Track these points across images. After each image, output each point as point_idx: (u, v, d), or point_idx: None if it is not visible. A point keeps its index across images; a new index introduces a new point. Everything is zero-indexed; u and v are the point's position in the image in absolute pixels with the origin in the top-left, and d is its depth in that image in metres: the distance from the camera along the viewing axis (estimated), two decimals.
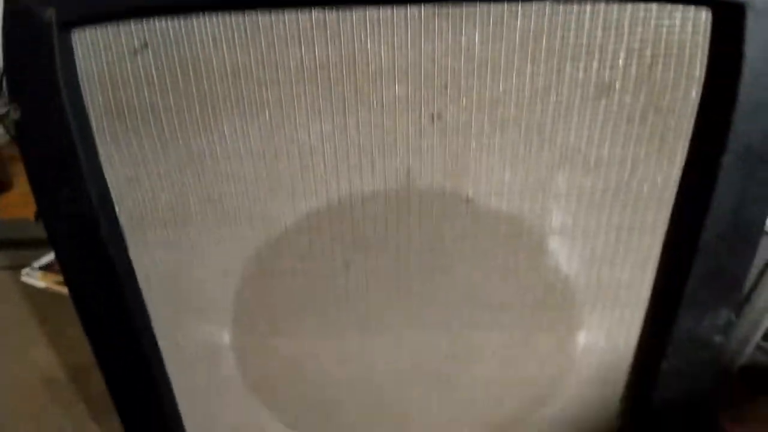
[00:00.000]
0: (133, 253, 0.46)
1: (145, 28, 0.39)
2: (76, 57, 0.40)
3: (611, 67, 0.38)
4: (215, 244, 0.45)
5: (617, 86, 0.39)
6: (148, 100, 0.41)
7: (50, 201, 0.43)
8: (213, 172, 0.43)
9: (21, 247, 1.31)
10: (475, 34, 0.37)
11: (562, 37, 0.37)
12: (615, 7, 0.37)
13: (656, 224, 0.44)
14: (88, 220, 0.43)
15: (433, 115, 0.40)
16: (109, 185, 0.44)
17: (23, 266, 1.20)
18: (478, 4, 0.37)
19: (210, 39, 0.39)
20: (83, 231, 0.44)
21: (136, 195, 0.44)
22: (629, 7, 0.37)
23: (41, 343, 0.96)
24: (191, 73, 0.40)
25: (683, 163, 0.42)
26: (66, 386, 0.87)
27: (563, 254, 0.44)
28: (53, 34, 0.38)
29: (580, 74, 0.39)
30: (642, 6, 0.37)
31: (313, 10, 0.37)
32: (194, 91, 0.40)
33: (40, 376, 0.89)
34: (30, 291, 1.12)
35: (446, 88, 0.39)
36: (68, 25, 0.39)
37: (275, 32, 0.39)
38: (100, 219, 0.44)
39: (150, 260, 0.46)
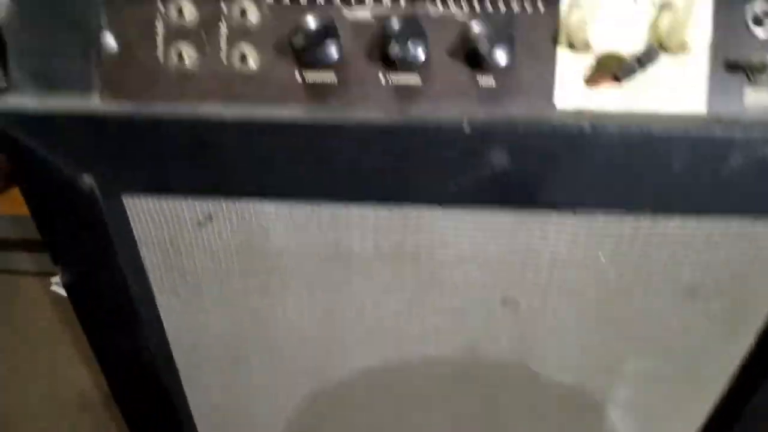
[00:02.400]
0: (188, 389, 0.44)
1: (210, 201, 0.35)
2: (131, 221, 0.37)
3: (701, 274, 0.36)
4: (269, 387, 0.43)
5: (704, 290, 0.36)
6: (211, 264, 0.38)
7: (105, 347, 0.41)
8: (274, 327, 0.41)
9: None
10: (562, 240, 0.35)
11: (656, 244, 0.35)
12: (708, 221, 0.33)
13: (712, 396, 0.43)
14: (145, 363, 0.42)
15: (506, 298, 0.38)
16: (167, 332, 0.42)
17: (53, 273, 1.16)
18: (568, 215, 0.33)
19: (281, 218, 0.36)
20: (140, 373, 0.42)
21: (193, 340, 0.42)
22: (724, 221, 0.33)
23: (75, 360, 0.95)
24: (259, 246, 0.37)
25: (751, 351, 0.40)
26: (100, 409, 0.87)
27: (622, 425, 0.42)
28: (98, 200, 0.35)
29: (668, 278, 0.36)
30: (737, 222, 0.33)
31: (392, 206, 0.34)
32: (261, 261, 0.37)
33: (73, 396, 0.89)
34: (61, 302, 1.06)
35: (523, 276, 0.37)
36: (116, 192, 0.35)
37: (351, 220, 0.35)
38: (157, 361, 0.42)
39: (204, 397, 0.44)
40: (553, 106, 0.31)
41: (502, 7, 0.31)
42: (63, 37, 0.32)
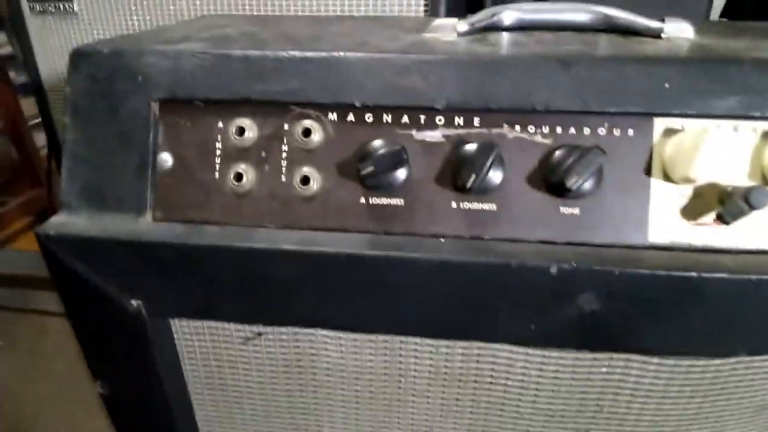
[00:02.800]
0: None
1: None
2: (176, 339, 0.35)
3: None
4: None
5: None
6: (255, 380, 0.36)
7: None
8: None
9: None
10: (644, 377, 0.31)
11: (738, 375, 0.31)
12: None
13: None
14: None
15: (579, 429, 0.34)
16: None
17: None
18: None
19: (333, 341, 0.33)
20: None
21: None
22: None
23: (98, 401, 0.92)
24: (307, 364, 0.34)
25: None
26: None
27: None
28: (145, 322, 0.32)
29: (742, 403, 0.32)
30: None
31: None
32: (308, 378, 0.35)
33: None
34: None
35: (598, 409, 0.33)
36: (164, 315, 0.33)
37: (409, 347, 0.32)
38: None
39: None
40: (647, 240, 0.28)
41: (587, 131, 0.29)
42: (118, 155, 0.31)
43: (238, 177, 0.30)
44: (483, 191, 0.29)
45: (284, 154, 0.30)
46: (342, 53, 0.29)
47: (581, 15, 0.37)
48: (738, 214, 0.26)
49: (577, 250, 0.28)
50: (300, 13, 0.61)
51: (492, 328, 0.29)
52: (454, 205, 0.29)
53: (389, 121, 0.29)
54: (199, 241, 0.29)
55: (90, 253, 0.30)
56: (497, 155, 0.28)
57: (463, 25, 0.36)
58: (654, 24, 0.34)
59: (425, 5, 0.58)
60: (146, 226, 0.30)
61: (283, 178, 0.30)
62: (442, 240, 0.28)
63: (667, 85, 0.27)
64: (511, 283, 0.27)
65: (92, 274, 0.30)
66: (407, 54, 0.29)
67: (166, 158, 0.31)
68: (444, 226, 0.29)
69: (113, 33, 0.66)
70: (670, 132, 0.28)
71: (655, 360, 0.31)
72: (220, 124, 0.31)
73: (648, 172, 0.28)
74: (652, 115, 0.28)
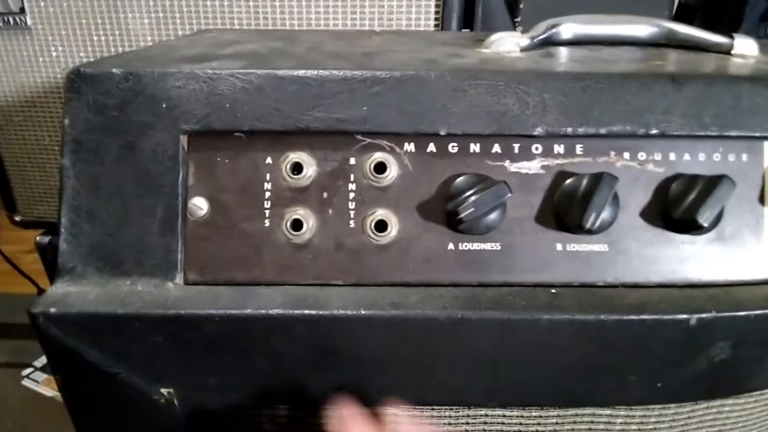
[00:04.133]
0: None
1: None
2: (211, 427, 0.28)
3: None
4: None
5: None
6: None
7: None
8: None
9: (21, 334, 1.09)
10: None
11: None
12: None
13: None
14: None
15: None
16: None
17: (25, 364, 0.98)
18: None
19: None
20: None
21: None
22: None
23: None
24: None
25: None
26: None
27: None
28: (178, 415, 0.25)
29: None
30: None
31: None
32: None
33: None
34: (34, 399, 0.90)
35: None
36: (203, 406, 0.25)
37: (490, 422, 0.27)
38: None
39: None
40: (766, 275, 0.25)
41: (702, 157, 0.25)
42: (137, 204, 0.24)
43: (296, 225, 0.24)
44: (597, 231, 0.24)
45: (352, 195, 0.24)
46: (415, 72, 0.24)
47: (643, 28, 0.34)
48: None
49: (705, 293, 0.24)
50: (299, 27, 0.56)
51: (613, 391, 0.24)
52: (559, 247, 0.24)
53: (477, 151, 0.24)
54: (251, 308, 0.23)
55: (104, 334, 0.23)
56: (610, 188, 0.24)
57: (524, 40, 0.33)
58: (723, 39, 0.32)
59: (436, 19, 0.55)
60: (178, 292, 0.23)
61: (352, 224, 0.24)
62: (552, 290, 0.24)
63: None
64: (644, 339, 0.23)
65: (107, 359, 0.23)
66: (499, 72, 0.25)
67: (200, 204, 0.24)
68: (549, 273, 0.24)
69: (75, 51, 0.57)
70: None
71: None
72: (269, 160, 0.24)
73: (762, 200, 0.25)
74: (764, 138, 0.25)
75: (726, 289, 0.24)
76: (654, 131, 0.24)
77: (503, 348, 0.24)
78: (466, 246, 0.25)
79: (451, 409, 0.27)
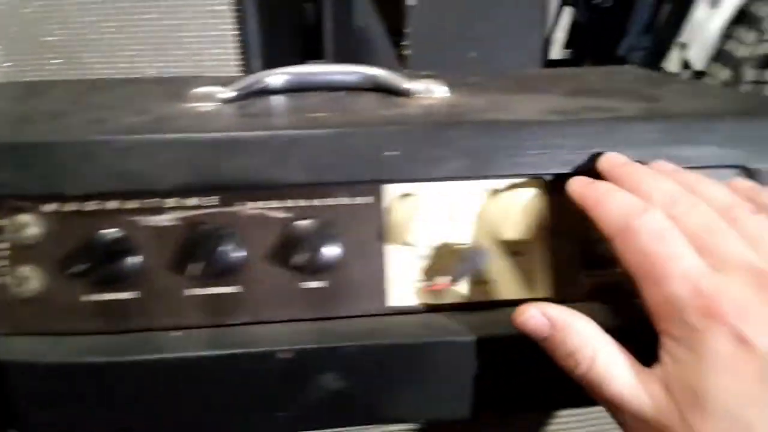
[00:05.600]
0: None
1: None
2: None
3: None
4: None
5: None
6: None
7: None
8: None
9: None
10: None
11: None
12: None
13: None
14: None
15: None
16: None
17: None
18: None
19: None
20: None
21: None
22: None
23: None
24: None
25: None
26: None
27: None
28: None
29: None
30: None
31: None
32: None
33: None
34: None
35: None
36: None
37: None
38: None
39: None
40: (385, 306, 0.27)
41: (321, 202, 0.27)
42: None
43: None
44: (222, 274, 0.27)
45: (2, 253, 0.26)
46: (55, 139, 0.26)
47: (347, 76, 0.37)
48: (462, 274, 0.26)
49: (320, 326, 0.26)
50: (108, 71, 0.57)
51: (237, 424, 0.26)
52: (188, 292, 0.27)
53: (115, 208, 0.26)
54: None
55: None
56: (231, 234, 0.26)
57: (228, 93, 0.35)
58: (408, 85, 0.35)
59: (240, 59, 0.57)
60: None
61: (2, 279, 0.26)
62: (180, 333, 0.26)
63: (390, 153, 0.27)
64: (252, 373, 0.25)
65: None
66: (130, 135, 0.26)
67: None
68: (181, 317, 0.26)
69: None
70: (401, 198, 0.28)
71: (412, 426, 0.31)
72: None
73: (382, 238, 0.28)
74: (382, 182, 0.28)
75: (342, 321, 0.27)
76: (274, 182, 0.27)
77: (138, 389, 0.26)
78: (102, 297, 0.26)
79: None
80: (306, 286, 0.27)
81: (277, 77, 0.36)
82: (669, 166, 0.27)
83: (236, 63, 0.55)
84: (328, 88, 0.37)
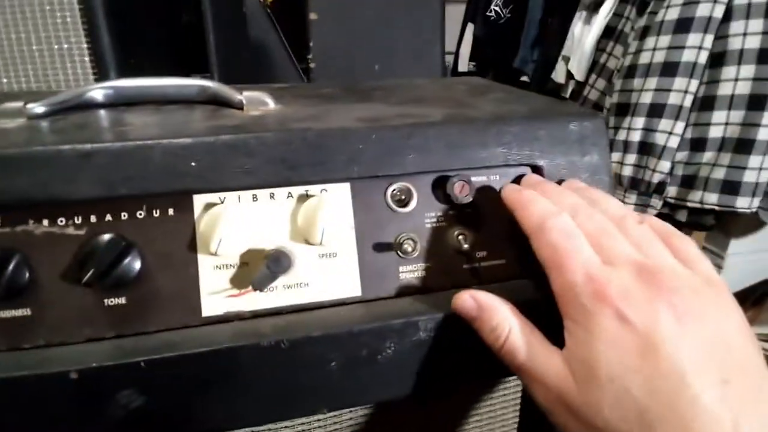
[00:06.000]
0: None
1: None
2: None
3: None
4: None
5: None
6: None
7: None
8: None
9: None
10: None
11: None
12: None
13: None
14: None
15: None
16: None
17: None
18: None
19: None
20: None
21: None
22: None
23: None
24: None
25: None
26: None
27: None
28: None
29: None
30: None
31: None
32: None
33: None
34: None
35: None
36: None
37: None
38: None
39: None
40: (200, 316, 0.27)
41: (125, 216, 0.27)
42: None
43: None
44: (12, 297, 0.25)
45: None
46: None
47: (177, 89, 0.37)
48: (266, 281, 0.27)
49: (120, 343, 0.26)
50: None
51: None
52: None
53: None
54: None
55: None
56: (11, 256, 0.25)
57: (39, 108, 0.33)
58: (238, 97, 0.36)
59: (94, 73, 0.55)
60: None
61: None
62: None
63: (194, 164, 0.27)
64: (40, 396, 0.24)
65: None
66: None
67: None
68: None
69: None
70: (208, 207, 0.28)
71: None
72: None
73: (194, 248, 0.28)
74: (190, 192, 0.28)
75: (148, 336, 0.26)
76: (68, 198, 0.26)
77: None
78: None
79: None
80: (107, 304, 0.26)
81: (99, 91, 0.35)
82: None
83: (93, 79, 0.52)
84: (161, 101, 0.37)
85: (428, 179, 0.32)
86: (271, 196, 0.29)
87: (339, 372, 0.28)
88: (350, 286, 0.30)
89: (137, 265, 0.26)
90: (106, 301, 0.26)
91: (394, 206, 0.31)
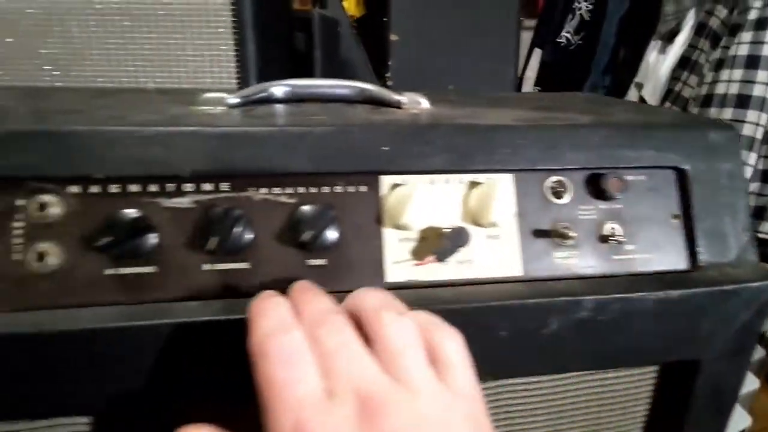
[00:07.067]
0: None
1: None
2: None
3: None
4: None
5: None
6: None
7: None
8: None
9: None
10: None
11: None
12: None
13: None
14: None
15: None
16: None
17: None
18: None
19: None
20: None
21: None
22: None
23: None
24: None
25: None
26: None
27: None
28: None
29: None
30: None
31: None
32: None
33: None
34: None
35: None
36: None
37: None
38: None
39: None
40: (384, 281, 0.31)
41: (326, 189, 0.31)
42: None
43: None
44: (234, 251, 0.30)
45: (17, 231, 0.28)
46: (81, 127, 0.29)
47: (341, 89, 0.42)
48: (447, 253, 0.30)
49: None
50: (108, 85, 0.60)
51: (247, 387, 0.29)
52: (206, 267, 0.29)
53: (136, 190, 0.29)
54: None
55: None
56: (240, 216, 0.29)
57: (234, 98, 0.39)
58: (396, 97, 0.40)
59: (237, 78, 0.61)
60: None
61: (17, 257, 0.28)
62: (197, 303, 0.28)
63: (386, 148, 0.32)
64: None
65: None
66: (153, 127, 0.30)
67: None
68: (198, 289, 0.29)
69: None
70: (394, 186, 0.32)
71: None
72: None
73: (380, 221, 0.31)
74: (378, 173, 0.32)
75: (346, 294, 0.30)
76: (281, 171, 0.30)
77: (157, 354, 0.28)
78: (123, 271, 0.29)
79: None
80: (310, 264, 0.30)
81: (279, 87, 0.40)
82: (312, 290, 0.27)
83: (234, 82, 0.59)
84: (323, 100, 0.42)
85: (581, 175, 0.35)
86: (446, 180, 0.33)
87: (508, 342, 0.30)
88: (513, 266, 0.32)
89: (337, 232, 0.30)
90: (309, 261, 0.30)
91: (550, 197, 0.34)
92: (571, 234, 0.32)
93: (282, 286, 0.29)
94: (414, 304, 0.29)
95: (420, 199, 0.30)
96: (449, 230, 0.30)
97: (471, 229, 0.32)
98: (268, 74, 0.63)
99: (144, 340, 0.28)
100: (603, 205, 0.35)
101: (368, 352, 0.23)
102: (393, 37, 1.27)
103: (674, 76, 1.29)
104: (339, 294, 0.29)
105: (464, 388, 0.24)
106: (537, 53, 1.63)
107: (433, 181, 0.32)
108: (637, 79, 1.47)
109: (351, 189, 0.32)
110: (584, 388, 0.38)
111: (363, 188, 0.32)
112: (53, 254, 0.28)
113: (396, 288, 0.31)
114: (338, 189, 0.31)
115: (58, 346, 0.27)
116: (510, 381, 0.35)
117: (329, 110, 0.38)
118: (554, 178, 0.34)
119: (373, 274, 0.31)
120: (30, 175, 0.28)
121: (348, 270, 0.31)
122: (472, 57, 1.30)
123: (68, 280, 0.28)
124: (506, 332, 0.30)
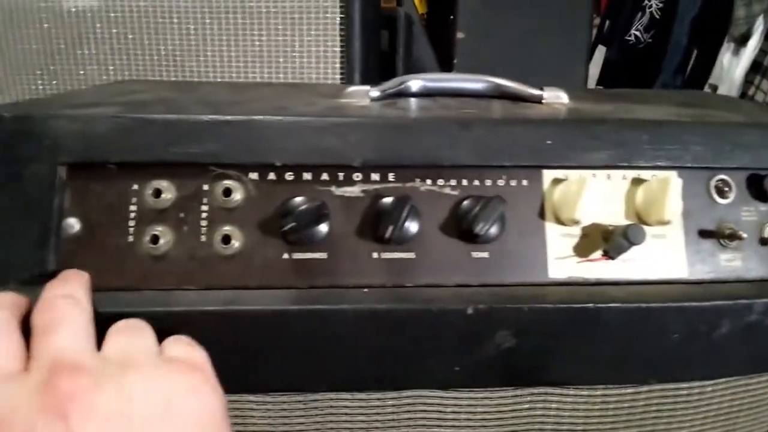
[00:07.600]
0: None
1: None
2: None
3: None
4: None
5: None
6: None
7: None
8: None
9: None
10: (564, 411, 0.32)
11: (654, 406, 0.33)
12: None
13: None
14: None
15: None
16: None
17: None
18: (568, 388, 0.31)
19: (260, 406, 0.31)
20: None
21: None
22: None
23: None
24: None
25: None
26: None
27: None
28: None
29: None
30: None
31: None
32: None
33: None
34: None
35: None
36: None
37: (340, 403, 0.31)
38: None
39: None
40: (547, 277, 0.30)
41: (489, 182, 0.31)
42: (18, 222, 0.28)
43: (155, 239, 0.29)
44: (401, 241, 0.30)
45: (204, 215, 0.30)
46: (261, 116, 0.30)
47: (477, 84, 0.42)
48: (620, 250, 0.30)
49: (489, 291, 0.29)
50: (218, 80, 0.62)
51: (420, 374, 0.29)
52: (375, 255, 0.30)
53: (309, 178, 0.30)
54: (112, 308, 0.27)
55: None
56: (412, 207, 0.30)
57: (375, 92, 0.39)
58: (536, 92, 0.40)
59: (341, 74, 0.62)
60: None
61: (203, 238, 0.29)
62: (365, 290, 0.29)
63: (549, 142, 0.31)
64: (434, 327, 0.28)
65: None
66: (325, 117, 0.31)
67: (73, 223, 0.29)
68: (366, 277, 0.30)
69: (16, 100, 0.62)
70: (557, 181, 0.31)
71: (571, 392, 0.33)
72: (136, 187, 0.29)
73: (542, 216, 0.31)
74: (540, 167, 0.31)
75: (508, 288, 0.30)
76: (447, 163, 0.31)
77: (327, 337, 0.28)
78: (298, 256, 0.30)
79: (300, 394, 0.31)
80: (474, 256, 0.30)
81: (415, 81, 0.41)
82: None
83: (338, 78, 0.60)
84: (454, 95, 0.42)
85: (743, 175, 0.33)
86: (608, 176, 0.32)
87: (678, 345, 0.29)
88: (677, 267, 0.31)
89: (501, 225, 0.30)
90: (473, 253, 0.31)
91: (715, 197, 0.33)
92: (742, 235, 0.31)
93: (445, 277, 0.30)
94: (584, 301, 0.29)
95: (591, 195, 0.30)
96: (623, 227, 0.30)
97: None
98: (365, 71, 0.64)
99: (315, 324, 0.29)
100: (763, 207, 0.34)
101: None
102: (459, 35, 1.27)
103: (747, 79, 1.23)
104: (500, 288, 0.30)
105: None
106: (601, 50, 1.58)
107: (595, 176, 0.32)
108: (711, 81, 1.41)
109: (513, 183, 0.31)
110: (730, 393, 0.36)
111: (525, 182, 0.31)
112: (235, 238, 0.30)
113: (559, 284, 0.30)
114: (500, 183, 0.31)
115: (244, 324, 0.28)
116: (659, 386, 0.34)
117: (469, 104, 0.38)
118: (720, 177, 0.33)
119: (536, 269, 0.31)
120: (214, 161, 0.30)
121: (510, 264, 0.31)
122: (540, 55, 1.27)
123: (249, 262, 0.29)
124: (679, 334, 0.29)
